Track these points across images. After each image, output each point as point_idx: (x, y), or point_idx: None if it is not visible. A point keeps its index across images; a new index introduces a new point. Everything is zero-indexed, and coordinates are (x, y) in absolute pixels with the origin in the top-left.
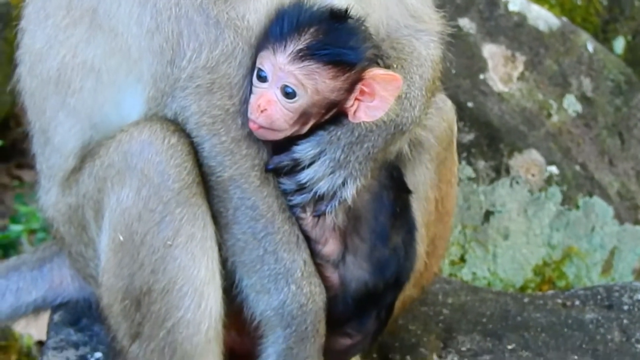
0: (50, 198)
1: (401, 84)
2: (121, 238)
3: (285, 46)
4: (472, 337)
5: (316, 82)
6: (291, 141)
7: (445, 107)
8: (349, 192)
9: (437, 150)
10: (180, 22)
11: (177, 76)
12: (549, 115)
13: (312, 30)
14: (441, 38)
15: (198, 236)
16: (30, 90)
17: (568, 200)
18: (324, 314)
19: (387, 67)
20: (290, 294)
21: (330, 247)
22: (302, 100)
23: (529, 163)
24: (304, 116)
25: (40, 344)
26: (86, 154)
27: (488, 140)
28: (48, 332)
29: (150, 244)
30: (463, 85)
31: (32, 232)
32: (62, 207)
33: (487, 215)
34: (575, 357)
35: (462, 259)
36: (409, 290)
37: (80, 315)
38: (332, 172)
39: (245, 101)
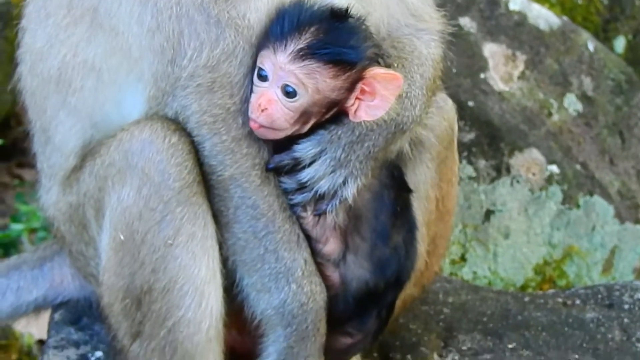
0: (51, 197)
1: (402, 83)
2: (122, 237)
3: (285, 45)
4: (472, 336)
5: (317, 82)
6: (292, 140)
7: (446, 106)
8: (350, 191)
9: (438, 149)
10: (181, 21)
11: (178, 75)
12: (550, 114)
13: (312, 29)
14: (442, 37)
15: (199, 235)
16: (31, 89)
17: (569, 200)
18: (324, 313)
19: (388, 66)
20: (291, 293)
21: (330, 246)
22: (302, 100)
23: (529, 162)
24: (304, 115)
25: (41, 342)
26: (87, 153)
27: (489, 139)
28: (49, 331)
29: (151, 243)
30: (464, 85)
31: (32, 231)
32: (63, 206)
33: (488, 214)
34: (576, 356)
35: (463, 258)
36: (410, 289)
37: (80, 314)
38: (333, 171)
39: (246, 100)
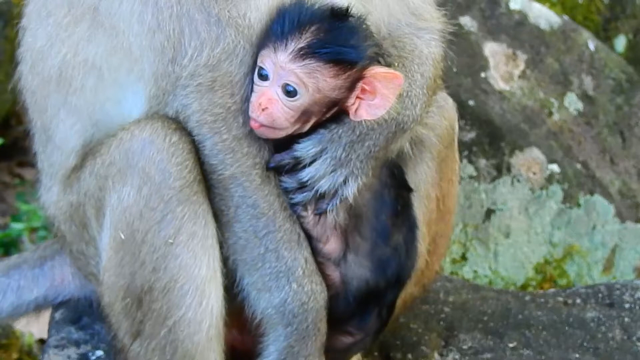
0: (52, 196)
1: (402, 82)
2: (122, 236)
3: (286, 45)
4: (473, 335)
5: (317, 81)
6: (292, 139)
7: (446, 105)
8: (350, 191)
9: (439, 149)
10: (181, 21)
11: (179, 74)
12: (550, 113)
13: (313, 28)
14: (442, 36)
15: (199, 234)
16: (32, 88)
17: (569, 199)
18: (325, 312)
19: (388, 65)
20: (291, 292)
21: (331, 246)
22: (303, 99)
23: (530, 161)
24: (305, 114)
25: (42, 342)
26: (87, 152)
27: (489, 138)
28: (49, 331)
29: (152, 242)
30: (464, 84)
31: (33, 230)
32: (64, 205)
33: (489, 213)
34: (577, 355)
35: (464, 257)
36: (410, 289)
37: (81, 314)
38: (334, 171)
39: (246, 99)
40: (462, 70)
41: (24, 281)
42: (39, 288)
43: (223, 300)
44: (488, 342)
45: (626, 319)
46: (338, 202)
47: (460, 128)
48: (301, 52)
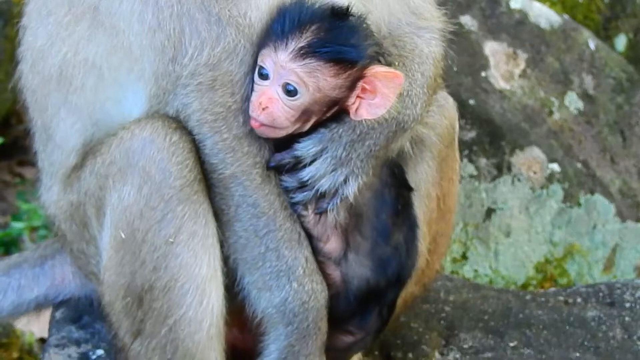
0: (52, 195)
1: (402, 82)
2: (123, 235)
3: (286, 44)
4: (473, 334)
5: (318, 80)
6: (293, 139)
7: (447, 104)
8: (351, 190)
9: (439, 148)
10: (181, 20)
11: (179, 73)
12: (551, 112)
13: (313, 28)
14: (443, 35)
15: (200, 234)
16: (32, 87)
17: (570, 198)
18: (325, 311)
19: (389, 64)
20: (292, 291)
21: (332, 245)
22: (303, 98)
23: (530, 160)
24: (305, 114)
25: (42, 341)
26: (88, 152)
27: (490, 137)
28: (50, 330)
29: (152, 242)
30: (465, 83)
31: (33, 229)
32: (64, 205)
33: (489, 212)
34: (577, 354)
35: (464, 257)
36: (411, 288)
37: (81, 313)
38: (334, 170)
39: (247, 99)
40: (462, 69)
41: (24, 280)
42: (39, 287)
43: (224, 299)
44: (489, 341)
45: (627, 318)
46: (338, 202)
47: (461, 127)
48: (302, 52)
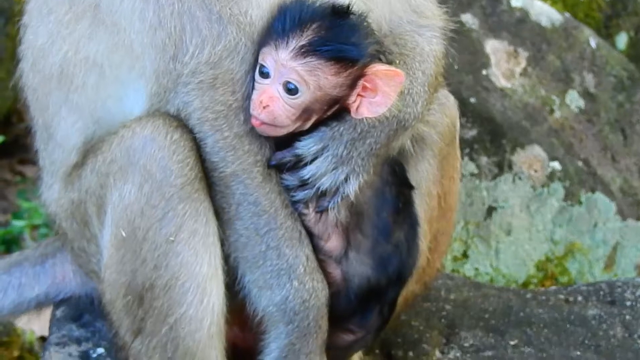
0: (53, 194)
1: (403, 80)
2: (123, 234)
3: (287, 42)
4: (474, 333)
5: (318, 78)
6: (294, 137)
7: (447, 102)
8: (352, 188)
9: (440, 146)
10: (182, 18)
11: (180, 72)
12: (552, 111)
13: (314, 26)
14: (444, 34)
15: (200, 232)
16: (33, 86)
17: (570, 196)
18: (326, 309)
19: (390, 63)
20: (292, 289)
21: (332, 243)
22: (304, 97)
23: (531, 159)
24: (306, 112)
25: (43, 339)
26: (89, 150)
27: (491, 136)
28: (50, 328)
29: (153, 240)
30: (466, 81)
31: (34, 227)
32: (65, 203)
33: (490, 211)
34: (578, 353)
35: (465, 255)
36: (412, 286)
37: (82, 311)
38: (335, 168)
39: (247, 97)
40: (463, 67)
41: (25, 279)
42: (40, 285)
43: (224, 297)
44: (489, 340)
45: (627, 317)
46: (339, 200)
47: (462, 125)
48: (302, 50)
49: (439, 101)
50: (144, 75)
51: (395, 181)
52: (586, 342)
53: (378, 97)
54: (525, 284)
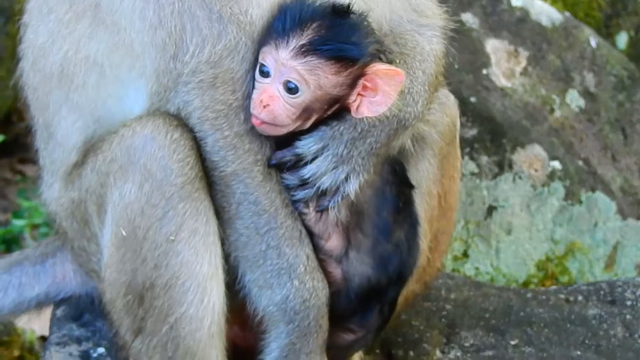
0: (53, 193)
1: (404, 79)
2: (124, 233)
3: (287, 41)
4: (475, 332)
5: (319, 78)
6: (294, 136)
7: (448, 102)
8: (352, 187)
9: (440, 146)
10: (183, 17)
11: (180, 71)
12: (552, 110)
13: (314, 25)
14: (444, 33)
15: (201, 231)
16: (33, 85)
17: (571, 196)
18: (326, 309)
19: (390, 62)
20: (293, 289)
21: (333, 242)
22: (304, 96)
23: (531, 158)
24: (306, 111)
25: (43, 339)
26: (89, 149)
27: (491, 135)
28: (50, 328)
29: (153, 239)
30: (466, 81)
31: (34, 227)
32: (65, 202)
33: (490, 210)
34: (578, 352)
35: (465, 254)
36: (412, 286)
37: (82, 311)
38: (335, 168)
39: (248, 96)
40: (463, 67)
41: (25, 278)
42: (40, 285)
43: (224, 297)
44: (490, 340)
45: (628, 316)
46: (340, 199)
47: (462, 125)
48: (302, 49)
49: (439, 100)
50: (144, 74)
51: (396, 180)
52: (586, 341)
53: (378, 96)
54: (525, 284)
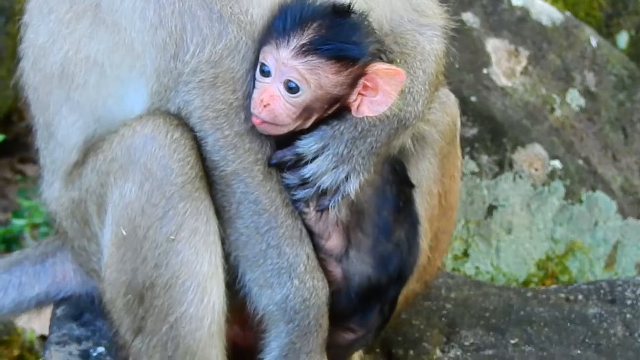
0: (53, 192)
1: (404, 79)
2: (124, 232)
3: (288, 41)
4: (475, 331)
5: (319, 77)
6: (294, 136)
7: (448, 101)
8: (352, 187)
9: (441, 145)
10: (183, 17)
11: (181, 70)
12: (552, 109)
13: (315, 25)
14: (444, 32)
15: (201, 230)
16: (34, 84)
17: (571, 195)
18: (327, 308)
19: (390, 61)
20: (293, 288)
21: (333, 242)
22: (305, 95)
23: (532, 157)
24: (307, 111)
25: (43, 338)
26: (89, 148)
27: (491, 134)
28: (50, 327)
29: (153, 239)
30: (466, 80)
31: (34, 226)
32: (65, 202)
33: (491, 209)
34: (578, 351)
35: (466, 254)
36: (412, 285)
37: (82, 310)
38: (335, 167)
39: (248, 96)
40: (464, 66)
41: (25, 277)
42: (40, 284)
43: (225, 296)
44: (490, 339)
45: (628, 316)
46: (340, 199)
47: (462, 124)
48: (303, 49)
49: (439, 100)
50: (144, 74)
51: (396, 180)
52: (587, 340)
53: (379, 95)
54: (525, 283)
